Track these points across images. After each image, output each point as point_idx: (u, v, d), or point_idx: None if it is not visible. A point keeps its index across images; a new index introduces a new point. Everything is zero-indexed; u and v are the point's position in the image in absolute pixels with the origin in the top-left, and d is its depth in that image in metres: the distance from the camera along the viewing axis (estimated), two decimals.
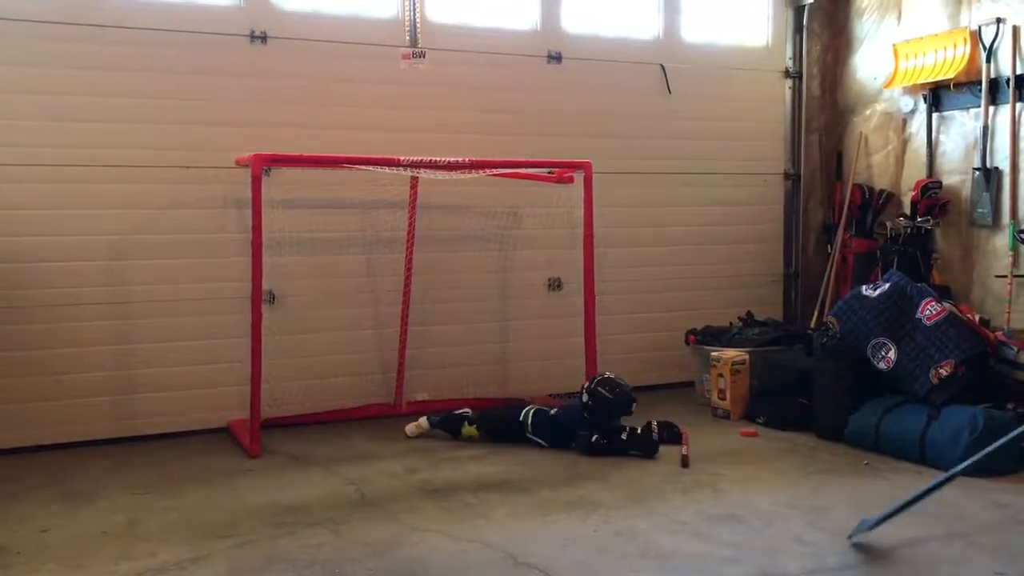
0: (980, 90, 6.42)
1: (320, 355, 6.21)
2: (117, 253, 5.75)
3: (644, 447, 5.36)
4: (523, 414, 5.62)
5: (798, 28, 7.64)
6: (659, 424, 5.50)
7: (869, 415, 5.42)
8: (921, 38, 6.85)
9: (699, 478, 4.93)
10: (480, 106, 6.58)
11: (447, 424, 5.75)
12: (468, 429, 5.67)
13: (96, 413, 5.72)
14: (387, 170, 5.70)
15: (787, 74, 7.67)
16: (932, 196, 6.71)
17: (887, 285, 5.65)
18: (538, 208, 6.55)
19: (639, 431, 5.43)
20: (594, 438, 5.37)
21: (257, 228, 5.31)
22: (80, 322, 5.66)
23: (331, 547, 3.99)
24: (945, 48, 6.64)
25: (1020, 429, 4.17)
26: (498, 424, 5.70)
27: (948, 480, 4.04)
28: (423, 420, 5.78)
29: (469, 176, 5.90)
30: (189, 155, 5.84)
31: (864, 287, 5.78)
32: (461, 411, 5.81)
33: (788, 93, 7.70)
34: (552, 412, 5.65)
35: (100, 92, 5.64)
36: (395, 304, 6.35)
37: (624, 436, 5.38)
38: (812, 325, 7.18)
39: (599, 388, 5.45)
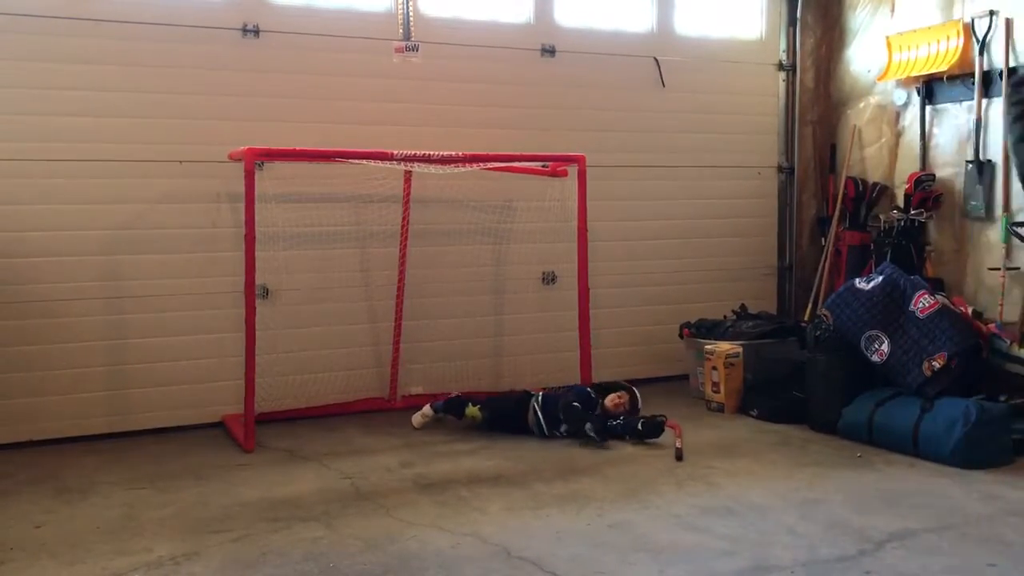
0: (973, 83, 6.43)
1: (314, 349, 6.21)
2: (110, 248, 5.73)
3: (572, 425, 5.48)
4: (532, 394, 5.76)
5: (791, 21, 7.64)
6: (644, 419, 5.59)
7: (862, 408, 5.44)
8: (914, 31, 6.86)
9: (693, 471, 4.94)
10: (473, 100, 6.57)
11: (451, 407, 5.80)
12: (472, 410, 5.72)
13: (90, 408, 5.71)
14: (380, 164, 5.68)
15: (781, 67, 7.67)
16: (925, 189, 6.72)
17: (880, 278, 5.66)
18: (532, 202, 6.55)
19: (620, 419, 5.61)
20: (604, 424, 5.50)
21: (250, 222, 5.30)
22: (73, 317, 5.66)
23: (325, 541, 3.99)
24: (938, 41, 6.64)
25: None
26: (502, 405, 5.78)
27: None
28: (427, 408, 5.82)
29: (463, 170, 5.90)
30: (182, 149, 5.83)
31: (857, 280, 5.79)
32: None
33: (782, 86, 7.70)
34: (560, 391, 5.81)
35: (92, 86, 5.62)
36: (389, 298, 6.34)
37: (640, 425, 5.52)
38: (806, 318, 7.20)
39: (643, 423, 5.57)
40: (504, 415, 5.72)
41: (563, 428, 5.54)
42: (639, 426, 5.47)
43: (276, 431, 5.73)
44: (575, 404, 5.55)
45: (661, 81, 7.14)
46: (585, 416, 5.48)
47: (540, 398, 5.69)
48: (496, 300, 6.76)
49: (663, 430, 5.49)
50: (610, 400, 5.70)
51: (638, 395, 5.84)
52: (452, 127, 6.43)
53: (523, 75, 6.73)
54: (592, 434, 5.38)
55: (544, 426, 5.57)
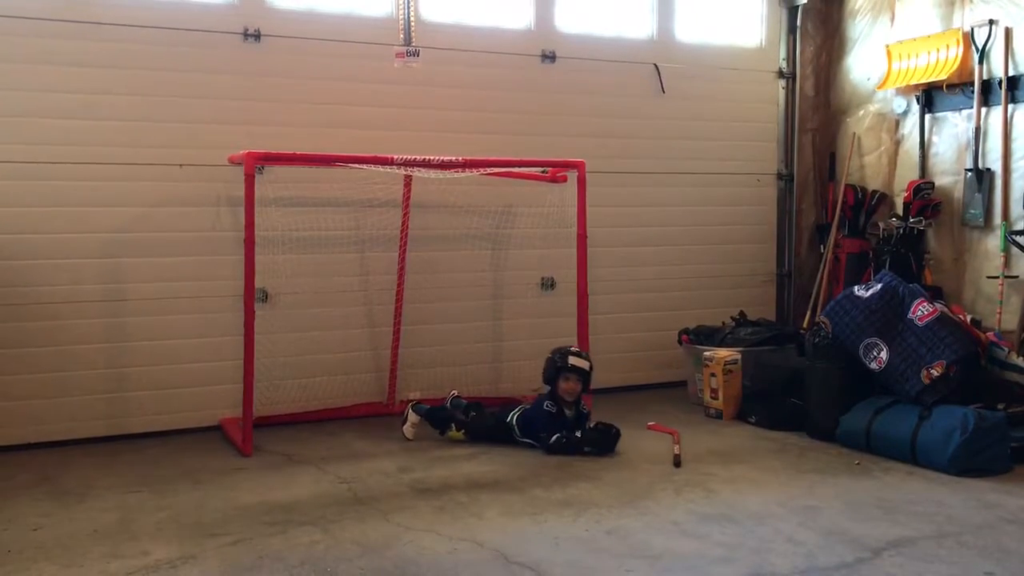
0: (972, 91, 6.45)
1: (313, 354, 6.21)
2: (110, 251, 5.74)
3: (599, 444, 5.38)
4: (510, 416, 5.62)
5: (791, 29, 7.66)
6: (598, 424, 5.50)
7: (860, 415, 5.44)
8: (914, 39, 6.88)
9: (691, 478, 4.94)
10: (474, 105, 6.58)
11: (434, 418, 5.72)
12: (455, 434, 5.66)
13: (88, 411, 5.71)
14: (380, 169, 5.70)
15: (780, 74, 7.69)
16: (924, 197, 6.73)
17: (879, 286, 5.66)
18: (531, 207, 6.56)
19: (595, 426, 5.45)
20: (554, 438, 5.39)
21: (250, 226, 5.30)
22: (72, 320, 5.66)
23: (323, 546, 3.99)
24: (938, 49, 6.66)
25: None
26: (484, 429, 5.68)
27: None
28: (410, 413, 5.72)
29: (462, 175, 5.90)
30: (182, 153, 5.84)
31: (856, 287, 5.79)
32: (450, 400, 5.87)
33: (781, 93, 7.71)
34: (529, 407, 5.68)
35: (93, 90, 5.63)
36: (388, 303, 6.35)
37: (579, 433, 5.41)
38: (804, 325, 7.20)
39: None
40: (487, 437, 5.64)
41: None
42: (585, 448, 5.36)
43: (274, 435, 5.73)
44: (542, 435, 5.43)
45: (661, 88, 7.16)
46: (558, 439, 5.38)
47: (517, 424, 5.56)
48: (495, 305, 6.76)
49: (617, 440, 5.41)
50: (562, 389, 5.49)
51: (588, 368, 5.53)
52: (452, 132, 6.44)
53: (523, 81, 6.74)
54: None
55: (531, 443, 5.53)
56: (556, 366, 5.54)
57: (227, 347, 5.83)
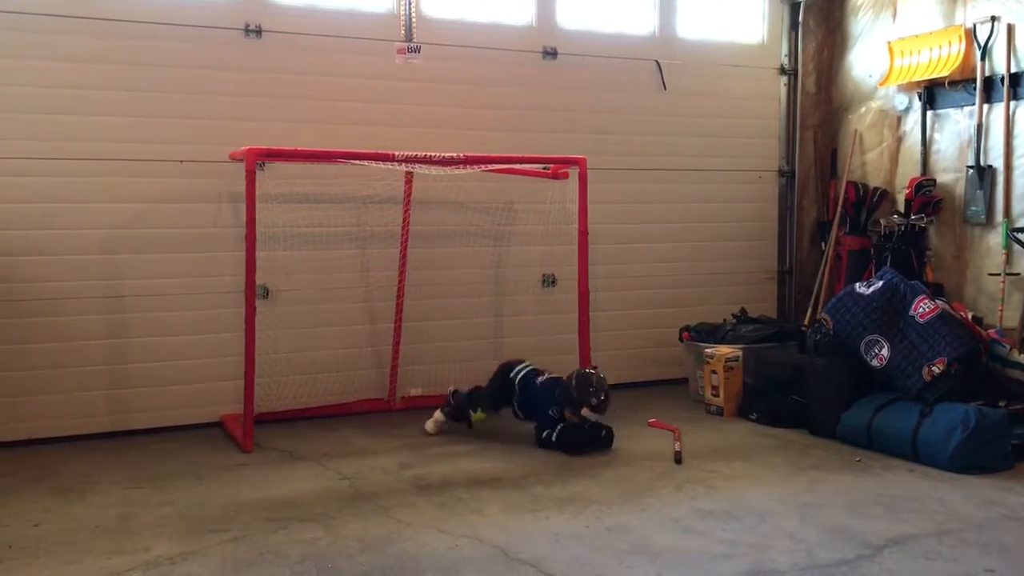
0: (974, 88, 6.44)
1: (314, 350, 6.21)
2: (111, 247, 5.74)
3: (571, 445, 5.38)
4: (515, 371, 5.68)
5: (793, 25, 7.65)
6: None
7: (862, 412, 5.44)
8: (916, 36, 6.87)
9: (692, 474, 4.94)
10: (475, 102, 6.58)
11: (456, 415, 5.75)
12: (477, 415, 5.68)
13: (89, 407, 5.71)
14: (381, 165, 5.69)
15: (782, 71, 7.68)
16: (926, 194, 6.73)
17: (880, 283, 5.66)
18: (533, 204, 6.55)
19: (586, 427, 5.41)
20: (544, 433, 5.41)
21: (251, 222, 5.30)
22: (73, 316, 5.66)
23: (324, 542, 3.99)
24: (940, 46, 6.65)
25: None
26: (492, 391, 5.71)
27: None
28: (438, 413, 5.78)
29: (464, 172, 5.90)
30: (183, 149, 5.83)
31: (857, 285, 5.79)
32: (451, 395, 5.84)
33: (783, 90, 7.70)
34: (537, 381, 5.60)
35: (94, 85, 5.63)
36: (389, 299, 6.35)
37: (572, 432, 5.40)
38: (806, 322, 7.20)
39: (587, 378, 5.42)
40: (500, 399, 5.68)
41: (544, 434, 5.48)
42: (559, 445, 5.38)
43: (275, 431, 5.73)
44: (541, 435, 5.48)
45: (663, 84, 7.15)
46: (548, 435, 5.41)
47: (518, 386, 5.62)
48: (496, 302, 6.76)
49: (595, 439, 5.40)
50: (566, 414, 5.45)
51: (594, 419, 5.46)
52: (453, 128, 6.44)
53: (525, 77, 6.73)
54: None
55: (519, 415, 5.60)
56: (570, 397, 5.41)
57: (228, 343, 5.84)
